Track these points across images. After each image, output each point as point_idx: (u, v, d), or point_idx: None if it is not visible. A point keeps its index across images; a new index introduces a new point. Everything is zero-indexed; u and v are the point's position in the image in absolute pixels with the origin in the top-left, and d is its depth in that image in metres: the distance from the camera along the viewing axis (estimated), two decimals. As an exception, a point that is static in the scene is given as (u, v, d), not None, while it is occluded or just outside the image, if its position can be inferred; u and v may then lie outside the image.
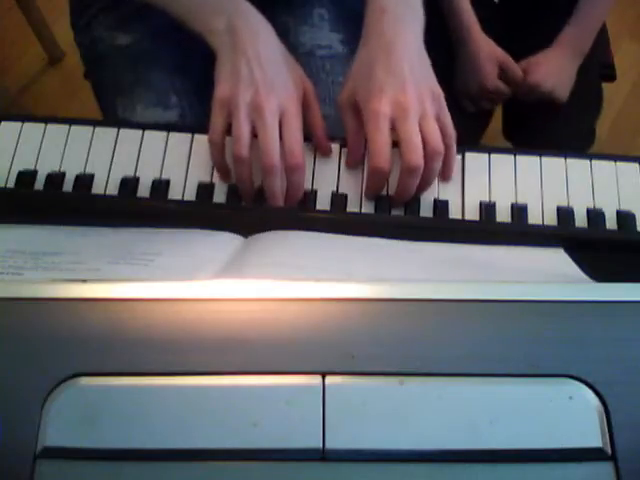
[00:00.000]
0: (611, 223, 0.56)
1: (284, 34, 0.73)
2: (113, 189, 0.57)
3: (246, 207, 0.57)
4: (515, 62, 0.90)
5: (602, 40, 0.92)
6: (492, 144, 1.18)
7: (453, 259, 0.48)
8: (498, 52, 0.89)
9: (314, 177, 0.58)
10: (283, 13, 0.76)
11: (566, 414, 0.27)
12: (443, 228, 0.56)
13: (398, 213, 0.57)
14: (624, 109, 1.48)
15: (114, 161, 0.59)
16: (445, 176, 0.57)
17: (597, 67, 0.96)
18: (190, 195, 0.57)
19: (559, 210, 0.56)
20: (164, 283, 0.32)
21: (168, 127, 0.60)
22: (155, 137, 0.60)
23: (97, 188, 0.58)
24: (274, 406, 0.27)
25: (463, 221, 0.56)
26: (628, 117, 1.48)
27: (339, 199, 0.57)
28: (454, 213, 0.56)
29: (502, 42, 0.90)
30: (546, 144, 0.90)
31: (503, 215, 0.56)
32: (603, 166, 0.58)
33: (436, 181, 0.58)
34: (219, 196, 0.57)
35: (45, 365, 0.28)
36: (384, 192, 0.57)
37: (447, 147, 0.55)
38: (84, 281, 0.32)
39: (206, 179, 0.58)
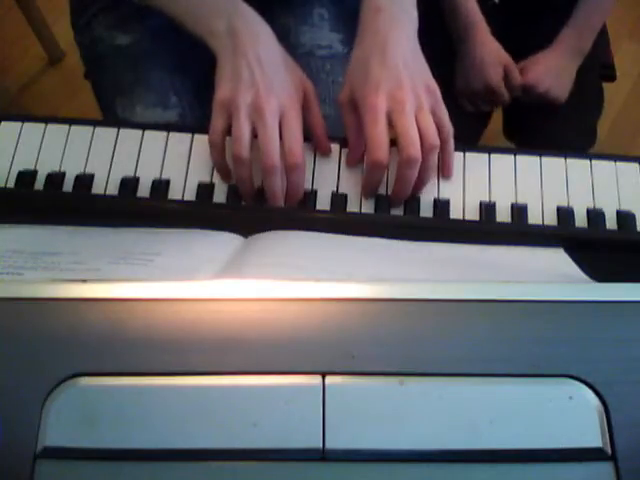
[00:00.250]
0: (611, 223, 0.56)
1: (284, 34, 0.73)
2: (113, 189, 0.57)
3: (246, 207, 0.57)
4: (515, 62, 0.90)
5: (602, 40, 0.92)
6: (492, 144, 1.18)
7: (453, 259, 0.48)
8: (502, 53, 0.89)
9: (314, 177, 0.58)
10: (283, 13, 0.76)
11: (566, 414, 0.27)
12: (443, 228, 0.56)
13: (398, 213, 0.57)
14: (624, 109, 1.48)
15: (114, 161, 0.59)
16: (445, 172, 0.58)
17: (598, 67, 0.96)
18: (190, 195, 0.57)
19: (559, 210, 0.56)
20: (164, 283, 0.32)
21: (168, 127, 0.60)
22: (155, 137, 0.60)
23: (97, 188, 0.58)
24: (274, 406, 0.27)
25: (463, 221, 0.56)
26: (628, 117, 1.48)
27: (339, 199, 0.57)
28: (454, 213, 0.56)
29: (501, 42, 0.90)
30: (547, 144, 0.90)
31: (503, 215, 0.56)
32: (603, 166, 0.58)
33: (436, 181, 0.58)
34: (219, 196, 0.57)
35: (45, 365, 0.28)
36: (383, 192, 0.57)
37: (444, 141, 0.55)
38: (84, 281, 0.32)
39: (206, 179, 0.58)
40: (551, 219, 0.56)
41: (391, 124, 0.54)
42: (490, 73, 0.88)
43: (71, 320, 0.30)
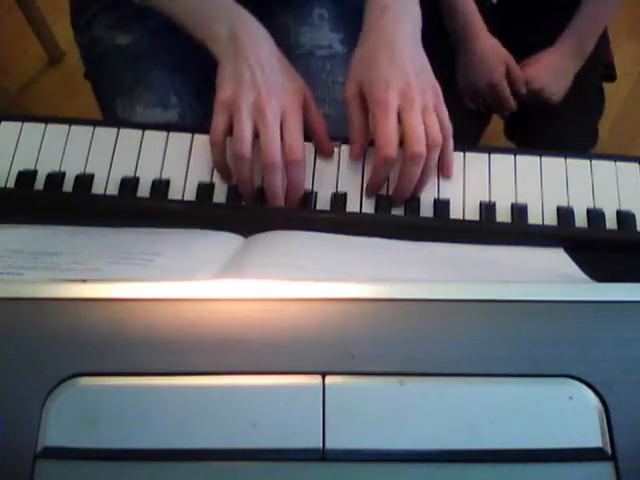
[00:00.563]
0: (611, 223, 0.56)
1: (284, 34, 0.73)
2: (113, 189, 0.57)
3: (246, 207, 0.57)
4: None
5: (602, 40, 0.92)
6: (492, 144, 1.18)
7: (453, 259, 0.48)
8: (502, 50, 0.89)
9: (314, 177, 0.58)
10: (283, 13, 0.76)
11: (566, 414, 0.27)
12: (443, 228, 0.56)
13: (398, 213, 0.57)
14: (624, 109, 1.48)
15: (114, 161, 0.59)
16: (445, 172, 0.58)
17: (599, 68, 0.96)
18: (190, 195, 0.57)
19: (559, 210, 0.56)
20: (164, 283, 0.32)
21: (168, 127, 0.61)
22: (155, 137, 0.60)
23: (97, 188, 0.58)
24: (274, 406, 0.27)
25: (463, 221, 0.56)
26: (628, 117, 1.47)
27: (339, 199, 0.57)
28: (454, 213, 0.57)
29: (500, 42, 0.90)
30: (548, 145, 0.90)
31: (503, 215, 0.56)
32: (603, 166, 0.58)
33: (436, 181, 0.58)
34: (219, 196, 0.57)
35: (45, 365, 0.28)
36: (384, 192, 0.57)
37: (444, 139, 0.56)
38: (84, 281, 0.32)
39: (206, 179, 0.58)
40: (551, 219, 0.56)
41: (399, 121, 0.54)
42: (491, 71, 0.88)
43: (71, 320, 0.30)
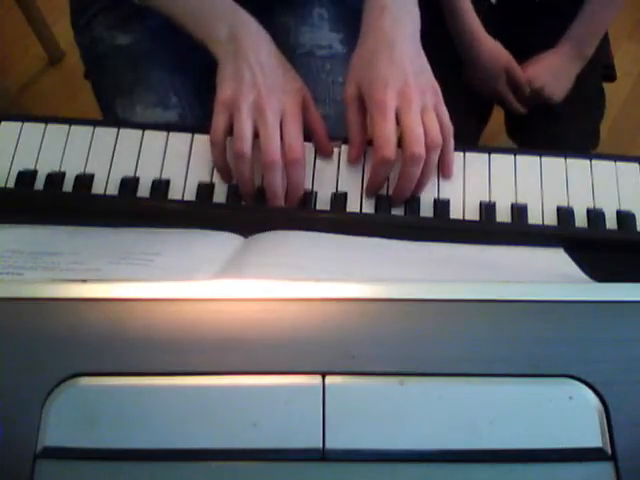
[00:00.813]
0: (611, 223, 0.56)
1: (284, 34, 0.73)
2: (113, 189, 0.57)
3: (246, 207, 0.57)
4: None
5: (602, 41, 0.92)
6: (492, 144, 1.18)
7: (453, 259, 0.48)
8: (502, 54, 0.89)
9: (314, 177, 0.58)
10: (283, 13, 0.76)
11: (566, 414, 0.27)
12: (443, 228, 0.56)
13: (398, 213, 0.57)
14: (624, 109, 1.48)
15: (114, 161, 0.59)
16: (445, 172, 0.58)
17: (599, 68, 0.96)
18: (190, 195, 0.57)
19: (559, 210, 0.56)
20: (164, 283, 0.32)
21: (168, 127, 0.60)
22: (155, 137, 0.60)
23: (97, 188, 0.58)
24: (274, 406, 0.27)
25: (463, 221, 0.56)
26: (628, 117, 1.47)
27: (339, 199, 0.57)
28: (454, 213, 0.56)
29: (501, 43, 0.90)
30: (550, 145, 0.90)
31: (503, 215, 0.56)
32: (603, 166, 0.58)
33: (436, 180, 0.58)
34: (219, 196, 0.57)
35: (45, 365, 0.28)
36: (384, 192, 0.57)
37: (444, 140, 0.56)
38: (84, 281, 0.32)
39: (206, 179, 0.58)
40: (551, 219, 0.56)
41: (397, 121, 0.54)
42: (492, 79, 0.90)
43: (71, 320, 0.30)
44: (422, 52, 0.58)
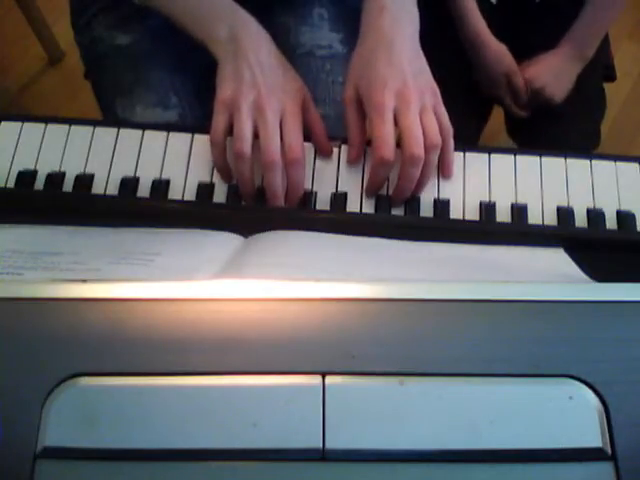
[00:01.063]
0: (611, 223, 0.56)
1: (284, 34, 0.73)
2: (113, 189, 0.57)
3: (246, 207, 0.57)
4: (516, 62, 0.90)
5: (603, 41, 0.93)
6: (492, 144, 1.18)
7: (453, 259, 0.48)
8: (506, 60, 0.89)
9: (314, 177, 0.58)
10: (283, 13, 0.76)
11: (566, 414, 0.27)
12: (443, 228, 0.56)
13: (398, 213, 0.57)
14: (624, 109, 1.48)
15: (114, 161, 0.59)
16: (445, 172, 0.58)
17: (600, 69, 0.96)
18: (190, 195, 0.57)
19: (559, 210, 0.56)
20: (164, 283, 0.32)
21: (168, 127, 0.60)
22: (155, 137, 0.60)
23: (97, 188, 0.58)
24: (274, 406, 0.27)
25: (463, 221, 0.56)
26: (628, 117, 1.47)
27: (339, 199, 0.57)
28: (454, 213, 0.56)
29: (501, 42, 0.90)
30: (550, 145, 0.90)
31: (503, 215, 0.56)
32: (603, 166, 0.58)
33: (436, 180, 0.58)
34: (219, 196, 0.57)
35: (45, 365, 0.28)
36: (384, 192, 0.57)
37: (443, 140, 0.56)
38: (84, 281, 0.32)
39: (206, 179, 0.58)
40: (551, 219, 0.56)
41: (396, 122, 0.54)
42: (494, 83, 0.91)
43: (71, 320, 0.30)
44: (421, 52, 0.58)
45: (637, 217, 0.56)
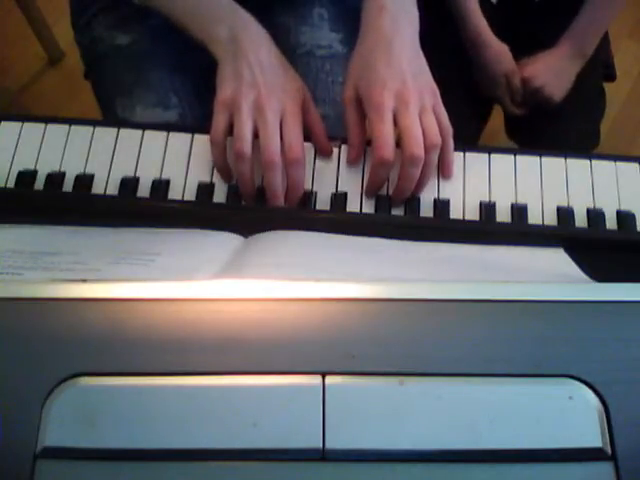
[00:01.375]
0: (611, 223, 0.56)
1: (284, 34, 0.73)
2: (113, 189, 0.57)
3: (246, 207, 0.57)
4: (515, 61, 0.90)
5: (603, 40, 0.93)
6: (492, 144, 1.18)
7: (453, 259, 0.48)
8: (506, 61, 0.89)
9: (314, 177, 0.58)
10: (283, 13, 0.76)
11: (566, 414, 0.27)
12: (443, 228, 0.56)
13: (398, 213, 0.57)
14: (624, 109, 1.48)
15: (114, 161, 0.59)
16: (445, 172, 0.58)
17: (600, 68, 0.96)
18: (190, 195, 0.57)
19: (559, 210, 0.56)
20: (164, 283, 0.32)
21: (168, 127, 0.60)
22: (155, 137, 0.60)
23: (97, 188, 0.58)
24: (274, 406, 0.27)
25: (463, 221, 0.56)
26: (628, 117, 1.47)
27: (339, 199, 0.57)
28: (454, 213, 0.56)
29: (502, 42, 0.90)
30: (550, 145, 0.90)
31: (503, 215, 0.56)
32: (603, 166, 0.58)
33: (436, 180, 0.58)
34: (219, 196, 0.57)
35: (45, 365, 0.28)
36: (384, 192, 0.57)
37: (443, 140, 0.56)
38: (84, 281, 0.32)
39: (206, 179, 0.58)
40: (551, 219, 0.56)
41: (395, 122, 0.54)
42: (493, 84, 0.91)
43: (71, 320, 0.30)
44: (421, 52, 0.58)
45: (637, 217, 0.56)
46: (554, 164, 0.58)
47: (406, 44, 0.57)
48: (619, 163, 0.58)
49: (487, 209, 0.56)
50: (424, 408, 0.27)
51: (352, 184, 0.58)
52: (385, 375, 0.28)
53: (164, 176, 0.58)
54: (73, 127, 0.60)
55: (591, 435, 0.27)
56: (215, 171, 0.58)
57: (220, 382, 0.28)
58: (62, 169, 0.58)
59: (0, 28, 1.55)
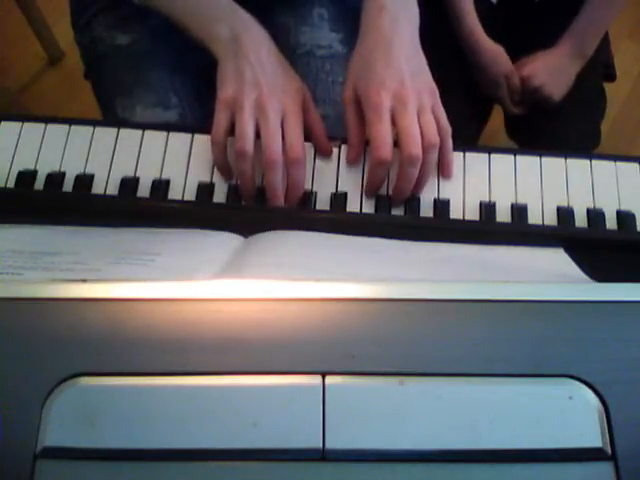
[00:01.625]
0: (611, 223, 0.56)
1: (284, 34, 0.73)
2: (113, 189, 0.57)
3: (246, 207, 0.57)
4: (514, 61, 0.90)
5: (603, 41, 0.93)
6: (492, 144, 1.18)
7: (453, 259, 0.48)
8: (503, 61, 0.89)
9: (314, 177, 0.58)
10: (283, 13, 0.76)
11: (566, 414, 0.27)
12: (443, 228, 0.56)
13: (398, 213, 0.57)
14: (624, 109, 1.48)
15: (114, 161, 0.59)
16: (444, 172, 0.58)
17: (600, 68, 0.96)
18: (190, 195, 0.57)
19: (559, 210, 0.56)
20: (164, 283, 0.32)
21: (168, 127, 0.61)
22: (155, 137, 0.60)
23: (97, 188, 0.58)
24: (274, 406, 0.27)
25: (463, 221, 0.56)
26: (628, 117, 1.47)
27: (339, 199, 0.57)
28: (454, 213, 0.56)
29: (501, 43, 0.90)
30: (550, 145, 0.90)
31: (503, 215, 0.56)
32: (603, 166, 0.58)
33: (436, 180, 0.58)
34: (219, 196, 0.57)
35: (45, 365, 0.28)
36: (384, 192, 0.57)
37: (442, 140, 0.56)
38: (84, 281, 0.32)
39: (206, 179, 0.58)
40: (551, 219, 0.56)
41: (393, 122, 0.54)
42: (491, 83, 0.91)
43: (71, 320, 0.30)
44: (420, 52, 0.58)
45: (637, 217, 0.56)
46: (554, 164, 0.58)
47: (405, 43, 0.57)
48: (619, 163, 0.58)
49: (487, 209, 0.56)
50: (424, 408, 0.27)
51: (352, 184, 0.58)
52: (385, 375, 0.28)
53: (164, 176, 0.58)
54: (73, 127, 0.60)
55: (591, 435, 0.27)
56: (215, 171, 0.58)
57: (220, 382, 0.28)
58: (62, 169, 0.58)
59: (0, 28, 1.55)
